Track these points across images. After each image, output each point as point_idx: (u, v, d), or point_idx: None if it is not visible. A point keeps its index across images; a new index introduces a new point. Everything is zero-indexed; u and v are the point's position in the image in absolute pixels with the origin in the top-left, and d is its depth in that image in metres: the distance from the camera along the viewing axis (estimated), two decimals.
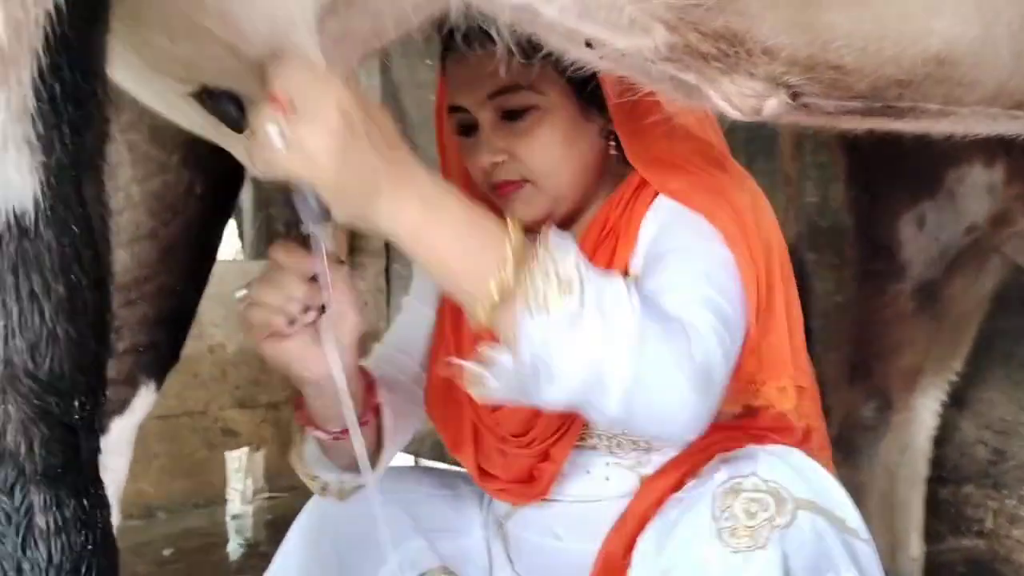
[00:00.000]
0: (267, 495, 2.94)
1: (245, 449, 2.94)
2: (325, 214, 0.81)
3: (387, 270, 3.16)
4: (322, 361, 0.91)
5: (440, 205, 0.83)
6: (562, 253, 0.85)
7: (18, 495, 0.63)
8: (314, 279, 0.88)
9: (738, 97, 0.76)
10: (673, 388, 0.87)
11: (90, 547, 0.66)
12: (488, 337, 0.89)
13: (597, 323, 0.83)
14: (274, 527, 2.69)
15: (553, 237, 0.87)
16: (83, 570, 0.65)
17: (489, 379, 0.86)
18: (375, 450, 1.11)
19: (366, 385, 1.07)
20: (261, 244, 2.95)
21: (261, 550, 2.51)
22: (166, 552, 2.43)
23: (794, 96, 0.75)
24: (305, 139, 0.75)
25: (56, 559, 0.64)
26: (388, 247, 3.18)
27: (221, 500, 2.86)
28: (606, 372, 0.84)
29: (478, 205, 0.87)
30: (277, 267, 0.90)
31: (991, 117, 0.76)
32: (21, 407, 0.63)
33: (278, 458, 2.95)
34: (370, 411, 1.08)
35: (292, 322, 0.90)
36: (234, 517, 2.81)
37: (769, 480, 0.95)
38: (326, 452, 1.09)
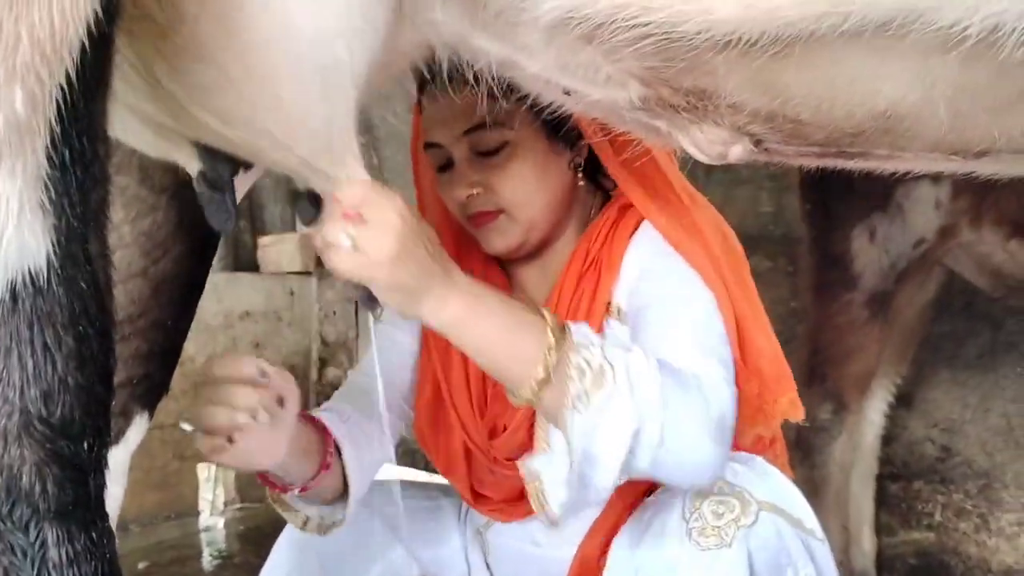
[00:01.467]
0: (238, 506, 2.94)
1: None
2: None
3: None
4: (276, 444, 0.95)
5: (481, 301, 0.90)
6: (588, 343, 0.91)
7: (32, 531, 0.66)
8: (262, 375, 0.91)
9: (706, 143, 0.82)
10: (695, 443, 0.93)
11: None
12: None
13: (628, 400, 0.89)
14: (246, 538, 2.69)
15: (575, 330, 0.92)
16: None
17: (552, 494, 0.93)
18: (342, 491, 1.12)
19: (319, 435, 1.08)
20: (229, 255, 2.95)
21: (234, 561, 2.52)
22: (141, 565, 2.43)
23: (757, 143, 0.81)
24: (370, 244, 0.83)
25: None
26: None
27: (193, 512, 2.86)
28: (639, 440, 0.89)
29: (516, 301, 0.94)
30: (214, 382, 0.90)
31: (931, 160, 0.83)
32: (35, 451, 0.66)
33: None
34: (328, 456, 1.08)
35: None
36: (206, 529, 2.81)
37: (734, 484, 1.01)
38: (299, 505, 1.11)
